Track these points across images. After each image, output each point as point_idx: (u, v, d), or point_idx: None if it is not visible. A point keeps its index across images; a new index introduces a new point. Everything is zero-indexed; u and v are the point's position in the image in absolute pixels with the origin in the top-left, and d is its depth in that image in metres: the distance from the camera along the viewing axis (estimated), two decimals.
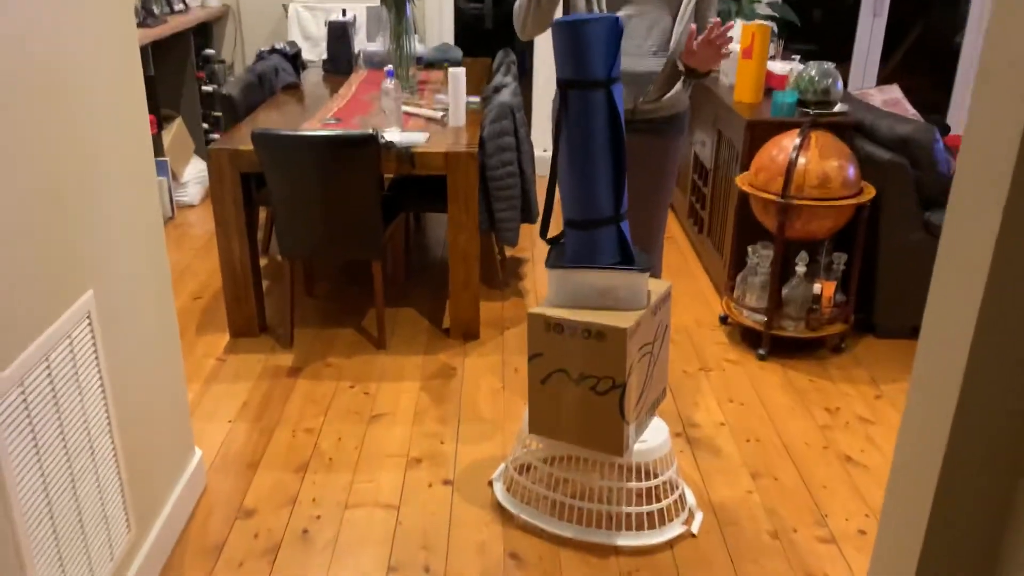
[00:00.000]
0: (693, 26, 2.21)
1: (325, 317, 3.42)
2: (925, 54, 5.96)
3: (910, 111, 4.56)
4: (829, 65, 3.25)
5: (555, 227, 3.81)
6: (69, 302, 1.62)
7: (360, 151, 2.82)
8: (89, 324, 1.69)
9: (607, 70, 1.94)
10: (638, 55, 2.36)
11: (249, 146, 2.91)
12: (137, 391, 1.95)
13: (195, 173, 4.60)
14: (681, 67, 2.34)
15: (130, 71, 1.91)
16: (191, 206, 4.57)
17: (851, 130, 3.26)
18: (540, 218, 2.16)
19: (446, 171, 3.00)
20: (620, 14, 2.32)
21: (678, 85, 2.41)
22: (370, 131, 2.82)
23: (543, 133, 5.51)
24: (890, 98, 4.45)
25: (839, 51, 5.74)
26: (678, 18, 2.35)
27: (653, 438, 2.18)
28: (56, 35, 1.57)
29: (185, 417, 2.27)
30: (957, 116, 5.81)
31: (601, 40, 1.91)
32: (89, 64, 1.70)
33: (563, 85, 1.96)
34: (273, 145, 2.82)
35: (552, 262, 2.10)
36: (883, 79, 5.82)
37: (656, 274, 2.67)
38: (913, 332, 3.28)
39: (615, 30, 1.93)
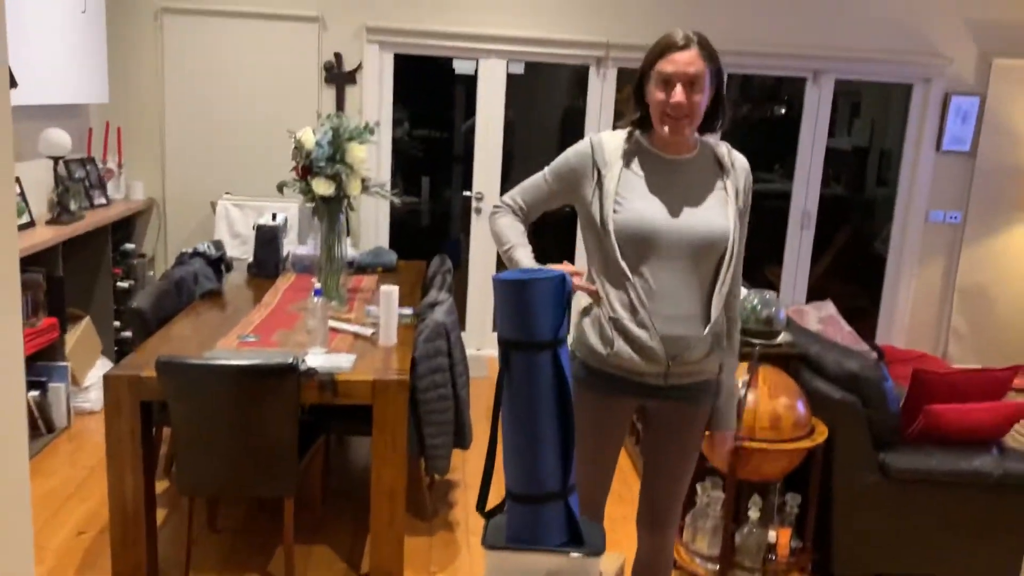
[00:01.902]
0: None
1: (228, 557, 3.01)
2: (850, 258, 6.14)
3: (845, 328, 4.55)
4: (771, 294, 3.18)
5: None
6: None
7: (277, 381, 2.57)
8: None
9: (554, 331, 1.76)
10: (670, 317, 2.04)
11: (153, 372, 2.62)
12: None
13: (99, 376, 4.23)
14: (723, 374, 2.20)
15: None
16: (92, 413, 4.17)
17: (796, 361, 3.16)
18: (479, 489, 1.89)
19: (372, 401, 2.75)
20: (647, 271, 2.04)
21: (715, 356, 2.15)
22: (289, 360, 2.57)
23: (478, 333, 5.36)
24: (826, 315, 4.44)
25: (764, 255, 5.85)
26: (718, 285, 2.06)
27: None
28: None
29: None
30: (885, 325, 5.90)
31: (548, 299, 1.75)
32: None
33: (505, 345, 1.78)
34: (179, 374, 2.54)
35: (490, 541, 1.82)
36: (811, 285, 5.93)
37: (667, 544, 2.38)
38: None
39: (562, 288, 1.78)
